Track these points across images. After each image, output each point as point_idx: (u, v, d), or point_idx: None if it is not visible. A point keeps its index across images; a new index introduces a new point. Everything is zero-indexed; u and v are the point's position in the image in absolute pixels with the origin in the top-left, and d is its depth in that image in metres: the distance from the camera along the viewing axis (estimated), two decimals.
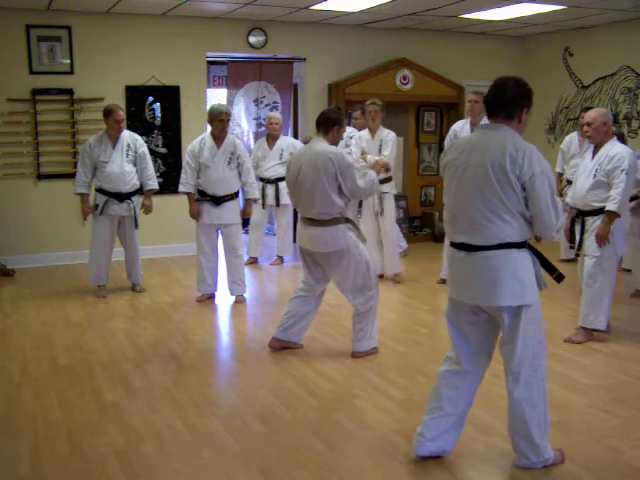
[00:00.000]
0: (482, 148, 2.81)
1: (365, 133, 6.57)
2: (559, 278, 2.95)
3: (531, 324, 2.85)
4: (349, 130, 7.16)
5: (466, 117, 6.49)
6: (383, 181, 6.34)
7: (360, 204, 6.46)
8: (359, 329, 4.48)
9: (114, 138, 5.94)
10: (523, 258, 2.84)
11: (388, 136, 6.48)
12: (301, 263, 4.57)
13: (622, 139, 5.45)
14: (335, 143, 4.35)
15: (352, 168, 4.17)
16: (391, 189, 6.42)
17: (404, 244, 7.75)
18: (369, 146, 6.44)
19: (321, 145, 4.25)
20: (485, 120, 6.43)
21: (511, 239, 2.80)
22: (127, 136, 6.00)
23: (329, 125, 4.28)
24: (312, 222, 4.28)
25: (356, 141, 6.54)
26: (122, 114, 5.90)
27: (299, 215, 4.52)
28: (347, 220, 4.33)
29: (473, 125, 6.38)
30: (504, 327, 2.89)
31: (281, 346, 4.63)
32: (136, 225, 6.08)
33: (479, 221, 2.79)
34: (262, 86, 8.18)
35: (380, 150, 6.40)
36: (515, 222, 2.79)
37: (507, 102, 2.83)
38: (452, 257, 2.97)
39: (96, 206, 5.96)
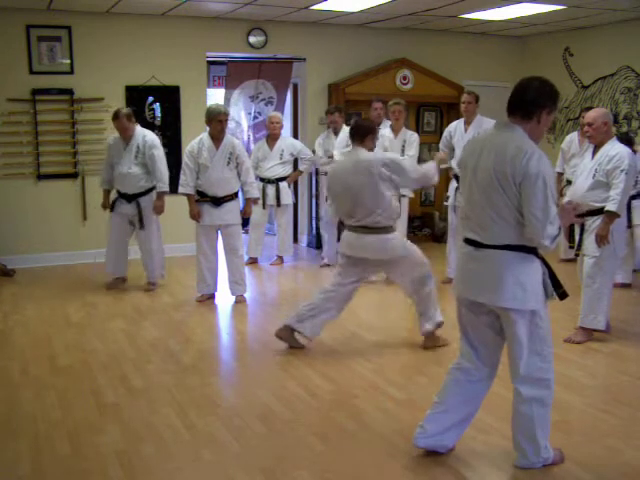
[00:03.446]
0: (490, 151, 2.82)
1: (388, 132, 6.56)
2: (563, 296, 2.93)
3: (539, 328, 2.86)
4: (348, 129, 7.17)
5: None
6: None
7: None
8: (424, 312, 4.61)
9: (125, 139, 6.01)
10: (528, 263, 2.83)
11: (412, 137, 6.52)
12: (338, 264, 4.67)
13: (630, 142, 5.43)
14: (371, 150, 4.52)
15: (402, 164, 4.42)
16: (408, 192, 6.45)
17: None
18: (392, 145, 6.43)
19: (364, 153, 4.42)
20: (479, 120, 6.45)
21: (518, 242, 2.81)
22: (139, 137, 6.05)
23: (364, 134, 4.45)
24: (367, 230, 4.43)
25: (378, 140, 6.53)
26: (125, 123, 5.93)
27: (345, 223, 4.58)
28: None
29: (466, 125, 6.40)
30: (511, 329, 2.87)
31: (287, 338, 4.62)
32: (141, 226, 6.12)
33: (487, 222, 2.82)
34: (259, 83, 8.17)
35: (403, 150, 6.41)
36: (520, 226, 2.79)
37: (528, 102, 2.83)
38: (461, 252, 3.01)
39: (112, 202, 6.21)
